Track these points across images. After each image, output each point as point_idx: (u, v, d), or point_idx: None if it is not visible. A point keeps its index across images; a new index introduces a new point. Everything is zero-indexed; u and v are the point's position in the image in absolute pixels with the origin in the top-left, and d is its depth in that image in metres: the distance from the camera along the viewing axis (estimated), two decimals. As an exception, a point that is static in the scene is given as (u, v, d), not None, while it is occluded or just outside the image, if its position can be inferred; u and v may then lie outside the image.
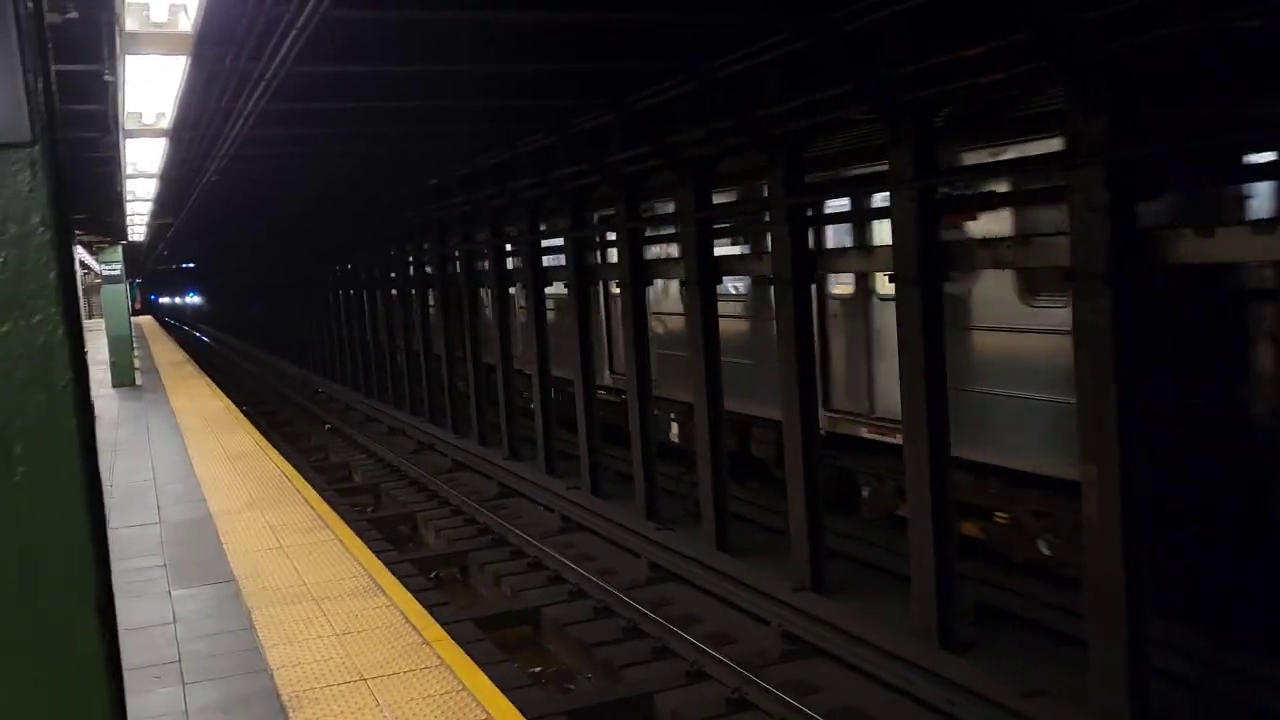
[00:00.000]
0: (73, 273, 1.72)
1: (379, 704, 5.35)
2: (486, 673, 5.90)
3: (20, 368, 1.58)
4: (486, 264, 17.66)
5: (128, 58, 5.35)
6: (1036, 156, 8.15)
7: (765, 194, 10.34)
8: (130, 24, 4.69)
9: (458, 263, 19.10)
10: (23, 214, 1.57)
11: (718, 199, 11.37)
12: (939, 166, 8.24)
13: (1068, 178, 6.90)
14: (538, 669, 9.85)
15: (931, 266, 8.05)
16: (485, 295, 18.42)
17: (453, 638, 6.49)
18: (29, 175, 1.57)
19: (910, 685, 7.77)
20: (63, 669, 1.66)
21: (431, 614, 7.04)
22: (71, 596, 1.66)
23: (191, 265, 68.24)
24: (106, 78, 7.41)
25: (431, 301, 21.46)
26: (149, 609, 7.09)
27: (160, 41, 4.88)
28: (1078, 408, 6.93)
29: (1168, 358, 7.53)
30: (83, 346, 1.70)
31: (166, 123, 7.73)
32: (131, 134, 8.15)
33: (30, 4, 1.57)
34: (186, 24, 4.74)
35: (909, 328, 8.18)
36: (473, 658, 6.21)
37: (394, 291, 23.45)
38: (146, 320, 55.52)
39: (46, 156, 1.60)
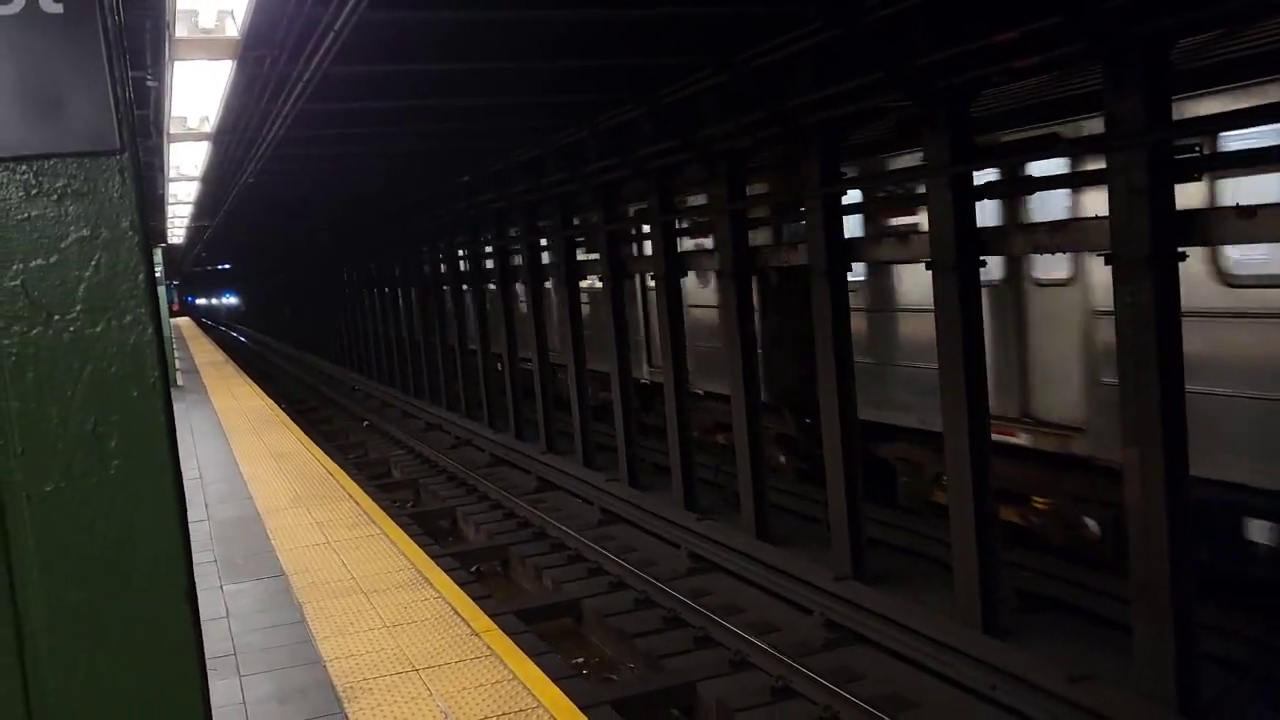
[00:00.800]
0: (154, 274, 1.79)
1: (431, 693, 5.45)
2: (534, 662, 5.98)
3: (115, 365, 1.65)
4: (520, 259, 17.77)
5: (176, 63, 5.47)
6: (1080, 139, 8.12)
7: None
8: (179, 30, 4.80)
9: (492, 259, 19.22)
10: (114, 219, 1.64)
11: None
12: (973, 151, 8.24)
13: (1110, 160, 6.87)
14: (580, 660, 9.94)
15: (969, 252, 8.04)
16: (520, 290, 18.53)
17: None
18: (119, 181, 1.64)
19: (954, 671, 7.79)
20: (156, 655, 1.73)
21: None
22: (163, 585, 1.73)
23: (228, 266, 69.01)
24: (150, 83, 7.55)
25: (467, 298, 21.61)
26: (202, 604, 7.16)
27: (208, 47, 4.98)
28: (1120, 392, 6.91)
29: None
30: (164, 345, 1.78)
31: (210, 126, 7.86)
32: (176, 138, 8.30)
33: (116, 17, 1.64)
34: (233, 29, 4.84)
35: (946, 313, 8.17)
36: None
37: (428, 288, 23.63)
38: (184, 321, 56.18)
39: (132, 163, 1.67)
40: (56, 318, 1.62)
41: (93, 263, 1.64)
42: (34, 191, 1.62)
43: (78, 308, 1.63)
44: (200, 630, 1.86)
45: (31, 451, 1.62)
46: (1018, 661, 7.46)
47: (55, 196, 1.62)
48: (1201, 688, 6.71)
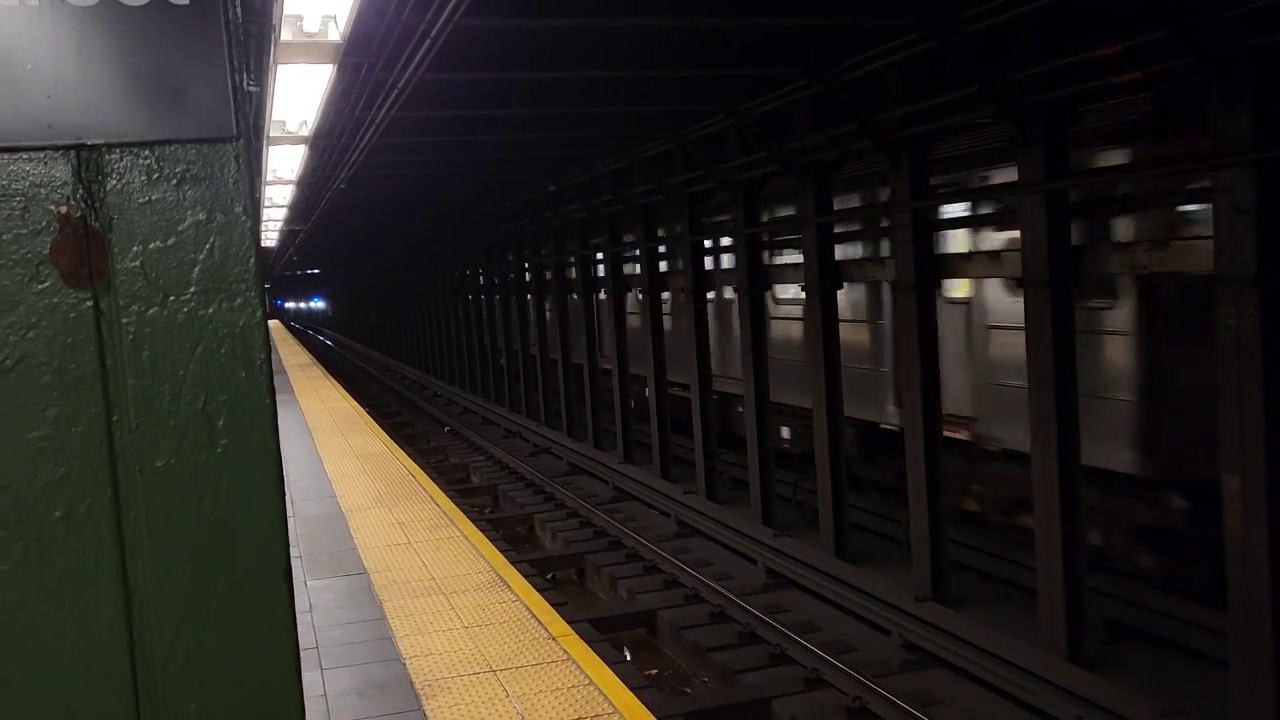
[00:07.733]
0: (262, 259, 1.83)
1: (508, 695, 5.47)
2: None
3: (225, 346, 1.69)
4: (601, 270, 17.87)
5: (279, 67, 5.62)
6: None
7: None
8: (285, 34, 4.93)
9: (574, 269, 19.36)
10: (228, 204, 1.68)
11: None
12: (1070, 169, 8.07)
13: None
14: (654, 670, 9.91)
15: (1063, 270, 7.86)
16: (599, 301, 18.63)
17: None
18: (234, 168, 1.68)
19: (1037, 699, 7.58)
20: (255, 628, 1.77)
21: (553, 611, 7.15)
22: (264, 564, 1.76)
23: (317, 271, 70.57)
24: (251, 88, 7.75)
25: (548, 306, 21.80)
26: (286, 598, 7.36)
27: (310, 51, 5.11)
28: (1220, 416, 6.68)
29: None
30: (268, 328, 1.82)
31: (308, 130, 8.05)
32: (275, 141, 8.52)
33: (237, 8, 1.68)
34: (335, 34, 4.96)
35: (1037, 334, 8.00)
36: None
37: (509, 297, 23.89)
38: (274, 324, 57.61)
39: (246, 151, 1.71)
40: (172, 298, 1.66)
41: (207, 246, 1.68)
42: (155, 176, 1.66)
43: (192, 289, 1.67)
44: (294, 610, 1.89)
45: (145, 427, 1.66)
46: (1106, 693, 7.23)
47: (174, 181, 1.67)
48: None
